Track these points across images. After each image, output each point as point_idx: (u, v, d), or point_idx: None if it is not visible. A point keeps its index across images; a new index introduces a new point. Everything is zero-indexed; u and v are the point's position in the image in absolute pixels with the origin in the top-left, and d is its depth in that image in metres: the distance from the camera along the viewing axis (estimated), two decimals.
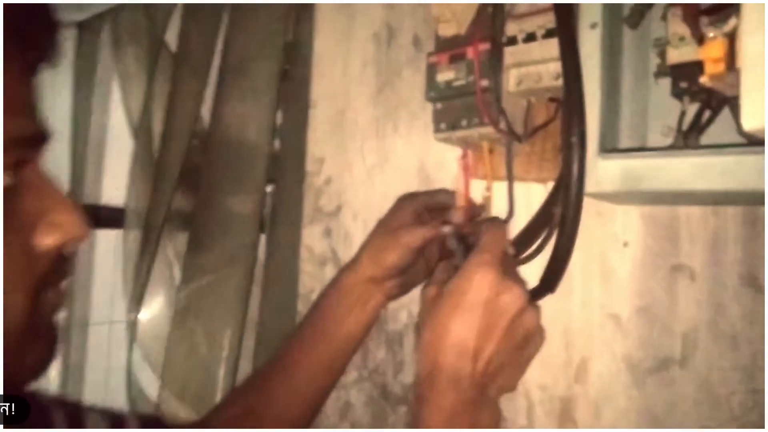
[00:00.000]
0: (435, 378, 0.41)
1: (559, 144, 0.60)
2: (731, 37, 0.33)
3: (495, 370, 0.42)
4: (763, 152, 0.40)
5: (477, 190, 0.62)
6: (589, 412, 0.61)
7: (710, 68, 0.34)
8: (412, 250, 0.55)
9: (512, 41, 0.57)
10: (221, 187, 0.99)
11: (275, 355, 0.59)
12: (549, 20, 0.54)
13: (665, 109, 0.54)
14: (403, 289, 0.58)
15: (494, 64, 0.57)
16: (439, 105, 0.62)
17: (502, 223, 0.49)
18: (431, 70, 0.61)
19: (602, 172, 0.48)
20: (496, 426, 0.42)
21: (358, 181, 0.82)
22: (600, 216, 0.61)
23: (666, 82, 0.54)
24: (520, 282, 0.44)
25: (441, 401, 0.41)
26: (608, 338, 0.60)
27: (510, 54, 0.57)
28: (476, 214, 0.59)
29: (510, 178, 0.61)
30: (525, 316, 0.43)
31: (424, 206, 0.59)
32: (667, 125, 0.53)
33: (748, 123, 0.32)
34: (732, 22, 0.33)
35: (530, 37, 0.56)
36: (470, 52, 0.58)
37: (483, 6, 0.57)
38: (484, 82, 0.57)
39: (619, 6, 0.51)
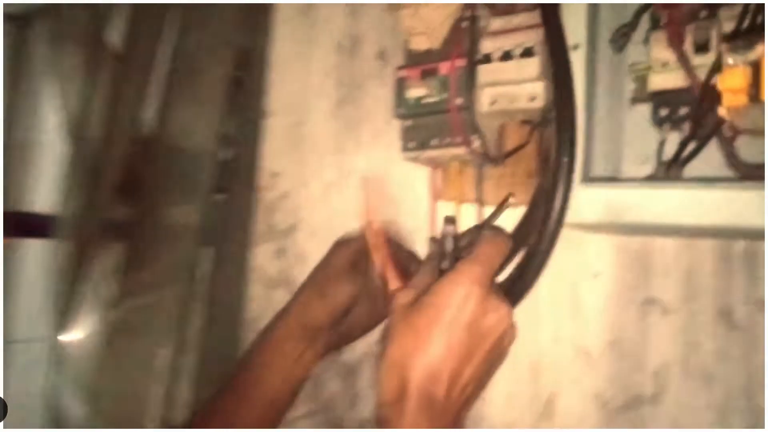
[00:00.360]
0: (403, 400, 0.37)
1: (531, 167, 0.58)
2: (756, 66, 0.30)
3: (470, 394, 0.39)
4: (756, 187, 0.38)
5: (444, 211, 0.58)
6: None
7: (729, 100, 0.31)
8: (341, 306, 0.50)
9: (487, 59, 0.54)
10: (163, 196, 0.92)
11: (211, 398, 0.53)
12: (527, 39, 0.52)
13: (640, 137, 0.52)
14: (346, 339, 0.53)
15: (469, 82, 0.54)
16: (408, 122, 0.58)
17: (505, 236, 0.43)
18: (401, 85, 0.58)
19: (584, 201, 0.45)
20: None
21: (315, 198, 0.77)
22: (570, 244, 0.58)
23: (641, 109, 0.52)
24: (505, 300, 0.39)
25: (407, 427, 0.36)
26: (578, 373, 0.57)
27: (485, 72, 0.54)
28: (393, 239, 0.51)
29: (480, 201, 0.58)
30: (506, 337, 0.39)
31: (362, 251, 0.50)
32: (644, 154, 0.51)
33: None
34: (759, 49, 0.30)
35: (506, 56, 0.53)
36: (444, 68, 0.55)
37: (458, 21, 0.54)
38: (459, 101, 0.54)
39: (599, 27, 0.49)
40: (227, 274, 0.83)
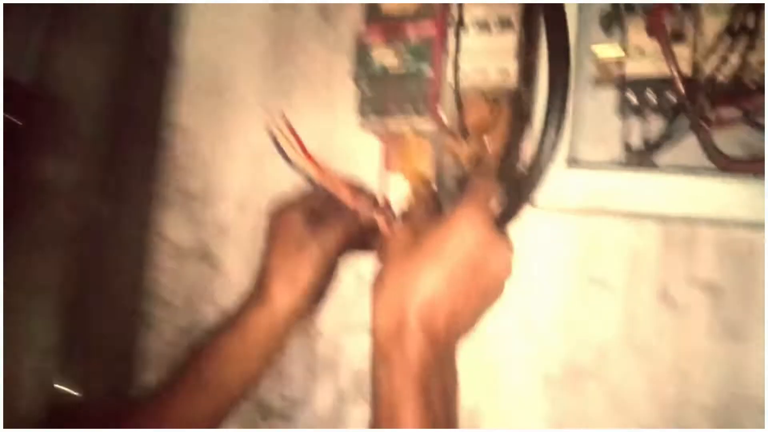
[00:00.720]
0: (402, 334, 0.36)
1: (491, 144, 0.57)
2: None
3: (465, 324, 0.39)
4: (734, 179, 0.41)
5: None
6: (499, 424, 0.59)
7: None
8: (329, 263, 0.48)
9: (463, 29, 0.51)
10: (40, 149, 0.78)
11: (162, 385, 0.47)
12: (508, 10, 0.49)
13: (600, 123, 0.53)
14: (315, 311, 0.51)
15: (441, 53, 0.50)
16: (367, 90, 0.54)
17: (492, 178, 0.44)
18: (362, 48, 0.53)
19: (567, 185, 0.45)
20: (458, 386, 0.39)
21: (241, 163, 0.69)
22: (523, 222, 0.59)
23: (603, 95, 0.53)
24: (510, 243, 0.40)
25: (409, 358, 0.36)
26: (523, 348, 0.58)
27: (455, 42, 0.51)
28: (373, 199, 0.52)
29: (436, 172, 0.56)
30: (503, 275, 0.40)
31: (313, 210, 0.50)
32: (605, 139, 0.52)
33: None
34: None
35: (483, 26, 0.50)
36: (414, 36, 0.51)
37: None
38: (430, 72, 0.51)
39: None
40: (125, 239, 0.73)
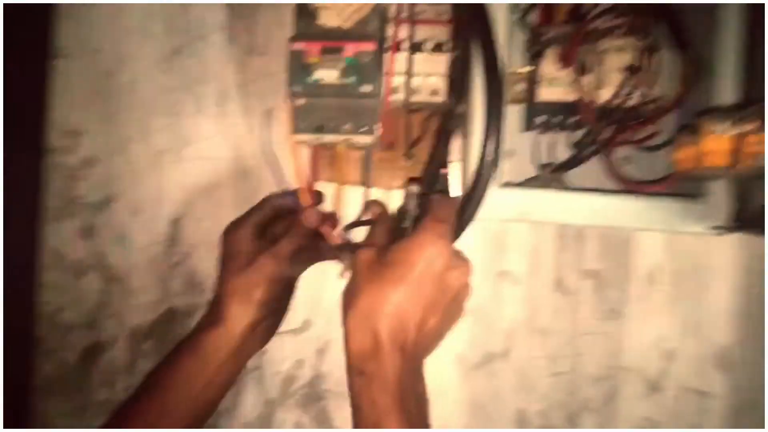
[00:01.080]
0: (378, 350, 0.38)
1: (409, 154, 0.60)
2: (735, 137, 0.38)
3: (432, 339, 0.42)
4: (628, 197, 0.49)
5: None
6: None
7: (710, 160, 0.39)
8: (280, 276, 0.48)
9: (397, 48, 0.53)
10: None
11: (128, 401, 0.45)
12: (439, 32, 0.53)
13: (515, 143, 0.59)
14: (275, 326, 0.51)
15: (378, 69, 0.52)
16: (302, 101, 0.54)
17: (453, 197, 0.47)
18: (297, 59, 0.53)
19: (500, 202, 0.51)
20: (428, 395, 0.41)
21: (140, 167, 0.65)
22: None
23: (518, 117, 0.58)
24: (466, 258, 0.43)
25: (386, 374, 0.38)
26: None
27: (391, 60, 0.53)
28: (322, 200, 0.54)
29: (368, 184, 0.59)
30: (464, 292, 0.43)
31: (262, 225, 0.50)
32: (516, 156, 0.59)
33: None
34: (746, 127, 0.37)
35: (416, 48, 0.53)
36: (351, 50, 0.52)
37: (379, 5, 0.51)
38: (367, 88, 0.52)
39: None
40: (10, 257, 0.65)
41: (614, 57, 0.52)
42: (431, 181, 0.49)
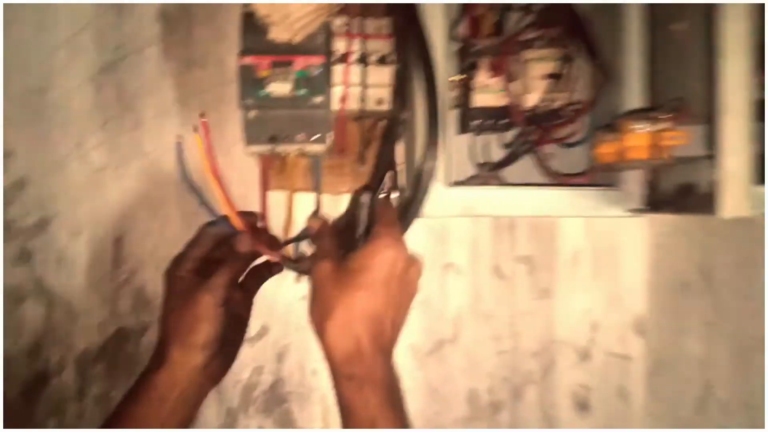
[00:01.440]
0: (363, 353, 0.41)
1: (362, 159, 0.64)
2: (656, 134, 0.44)
3: (399, 332, 0.45)
4: (561, 190, 0.56)
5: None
6: None
7: (633, 153, 0.45)
8: (220, 310, 0.46)
9: (344, 59, 0.56)
10: None
11: None
12: (383, 46, 0.56)
13: (455, 146, 0.64)
14: (230, 358, 0.50)
15: (327, 81, 0.55)
16: (252, 113, 0.55)
17: (388, 201, 0.50)
18: (247, 73, 0.54)
19: (447, 200, 0.55)
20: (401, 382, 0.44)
21: (77, 186, 0.63)
22: None
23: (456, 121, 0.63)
24: (416, 254, 0.46)
25: (374, 373, 0.41)
26: None
27: (338, 72, 0.56)
28: (256, 221, 0.53)
29: (319, 190, 0.61)
30: (418, 282, 0.46)
31: (204, 258, 0.48)
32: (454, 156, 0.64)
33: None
34: (659, 125, 0.44)
35: (362, 60, 0.56)
36: (300, 64, 0.55)
37: (326, 21, 0.54)
38: (318, 99, 0.55)
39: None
40: None
41: (537, 66, 0.58)
42: (377, 187, 0.53)
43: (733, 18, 0.44)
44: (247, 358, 0.66)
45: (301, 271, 0.51)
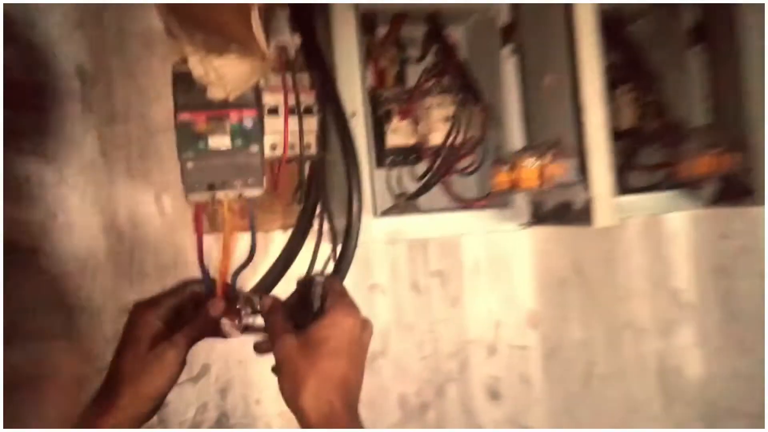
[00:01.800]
0: (334, 414, 0.45)
1: (290, 200, 0.70)
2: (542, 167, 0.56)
3: (360, 385, 0.48)
4: (468, 212, 0.66)
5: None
6: None
7: (526, 183, 0.56)
8: (180, 366, 0.47)
9: (273, 112, 0.62)
10: None
11: None
12: (306, 98, 0.64)
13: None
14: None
15: (261, 131, 0.61)
16: (190, 164, 0.60)
17: (336, 276, 0.55)
18: (185, 128, 0.58)
19: (374, 228, 0.63)
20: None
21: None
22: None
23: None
24: (366, 317, 0.51)
25: (344, 425, 0.44)
26: None
27: (270, 122, 0.62)
28: (232, 293, 0.56)
29: (253, 229, 0.66)
30: (369, 341, 0.52)
31: (176, 310, 0.50)
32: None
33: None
34: (540, 161, 0.56)
35: (291, 111, 0.63)
36: (235, 117, 0.60)
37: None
38: (254, 148, 0.61)
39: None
40: None
41: (437, 110, 0.68)
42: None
43: (589, 78, 0.57)
44: (191, 397, 0.69)
45: (261, 351, 0.52)
